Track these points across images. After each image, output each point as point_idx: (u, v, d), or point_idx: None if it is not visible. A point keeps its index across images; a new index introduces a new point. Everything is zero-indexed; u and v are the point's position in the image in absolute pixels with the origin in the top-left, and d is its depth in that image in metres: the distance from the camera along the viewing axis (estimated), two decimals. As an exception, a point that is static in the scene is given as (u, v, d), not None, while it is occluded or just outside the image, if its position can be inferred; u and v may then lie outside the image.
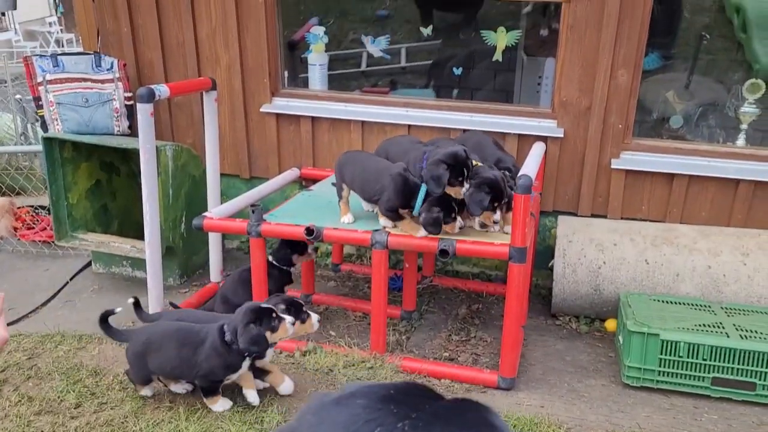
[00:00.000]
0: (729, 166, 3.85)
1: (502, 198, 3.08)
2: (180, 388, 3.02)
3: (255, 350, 2.75)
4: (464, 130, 4.12)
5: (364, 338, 3.57)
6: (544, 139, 4.03)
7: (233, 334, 2.74)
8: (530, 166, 3.18)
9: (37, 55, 4.20)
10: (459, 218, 3.11)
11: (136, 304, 3.19)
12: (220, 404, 2.91)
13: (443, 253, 3.03)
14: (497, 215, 3.12)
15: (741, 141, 4.02)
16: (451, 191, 3.05)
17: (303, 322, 2.91)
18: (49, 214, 4.68)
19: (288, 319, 2.82)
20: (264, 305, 2.82)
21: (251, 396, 2.92)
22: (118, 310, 3.11)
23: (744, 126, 4.01)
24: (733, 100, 4.20)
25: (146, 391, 2.99)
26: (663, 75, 5.04)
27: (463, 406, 0.65)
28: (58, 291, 4.29)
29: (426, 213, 3.04)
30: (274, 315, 2.79)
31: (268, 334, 2.76)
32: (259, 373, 2.99)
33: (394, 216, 3.18)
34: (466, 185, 3.05)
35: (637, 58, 3.80)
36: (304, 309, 2.95)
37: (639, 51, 3.79)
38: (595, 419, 2.93)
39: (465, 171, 3.03)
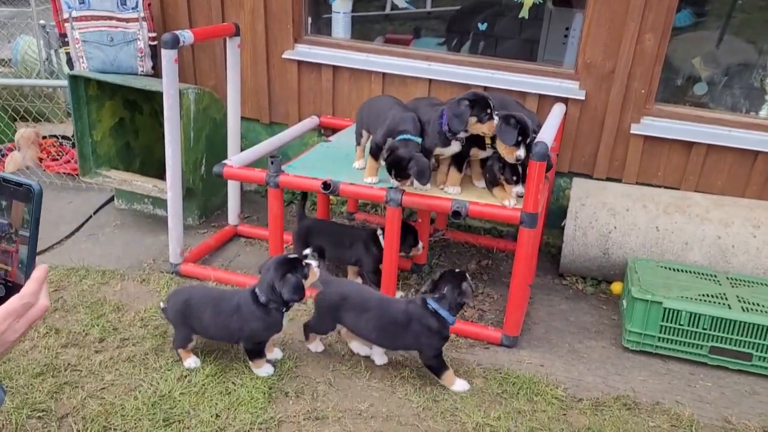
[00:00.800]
0: (749, 137, 3.84)
1: (528, 135, 3.09)
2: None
3: (297, 298, 2.76)
4: (485, 88, 4.12)
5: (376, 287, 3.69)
6: (565, 100, 4.02)
7: (269, 292, 2.76)
8: (548, 132, 3.20)
9: (63, -10, 4.21)
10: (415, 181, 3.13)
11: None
12: (265, 369, 2.94)
13: (456, 214, 3.09)
14: (520, 188, 3.18)
15: (765, 112, 3.99)
16: (482, 128, 3.09)
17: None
18: (74, 146, 4.79)
19: (314, 263, 2.88)
20: (291, 256, 2.87)
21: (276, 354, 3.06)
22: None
23: (768, 97, 3.98)
24: (760, 69, 4.14)
25: (190, 362, 2.95)
26: (694, 33, 4.95)
27: None
28: (82, 224, 4.43)
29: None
30: (303, 263, 2.84)
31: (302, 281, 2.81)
32: None
33: (376, 152, 3.28)
34: (496, 118, 3.08)
35: (666, 23, 3.74)
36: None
37: (668, 16, 3.73)
38: (591, 380, 3.05)
39: (490, 104, 3.06)
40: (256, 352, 2.92)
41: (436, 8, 6.70)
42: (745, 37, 4.86)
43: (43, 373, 2.81)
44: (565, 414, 2.77)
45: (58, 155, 5.28)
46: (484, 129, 3.09)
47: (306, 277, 2.82)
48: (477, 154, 3.33)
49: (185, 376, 2.85)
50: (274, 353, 3.04)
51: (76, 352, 2.99)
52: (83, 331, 3.15)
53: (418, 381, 2.93)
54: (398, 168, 3.10)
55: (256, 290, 2.82)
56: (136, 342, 3.09)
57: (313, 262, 2.89)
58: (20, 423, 2.53)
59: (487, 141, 3.25)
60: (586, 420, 2.73)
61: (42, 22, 6.44)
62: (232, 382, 2.83)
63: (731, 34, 4.84)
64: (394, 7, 6.54)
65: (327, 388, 2.86)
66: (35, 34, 6.68)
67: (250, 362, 2.94)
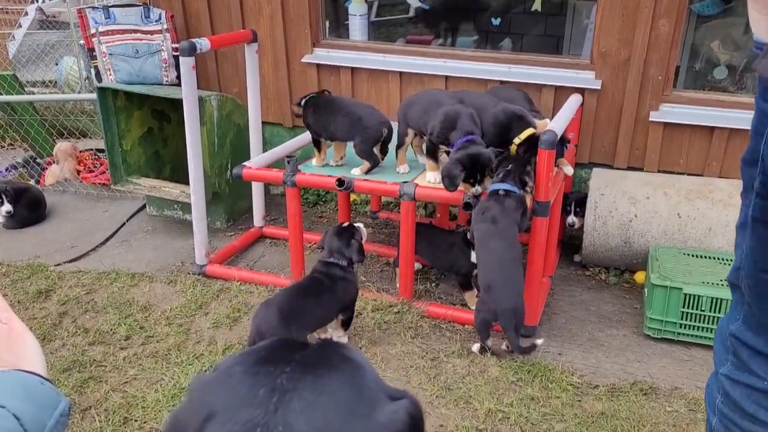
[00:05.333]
0: (772, 119, 3.75)
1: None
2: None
3: (361, 258, 3.13)
4: (501, 82, 4.14)
5: (395, 284, 3.72)
6: (581, 91, 4.00)
7: (341, 254, 3.09)
8: (558, 123, 3.20)
9: (89, 7, 4.40)
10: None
11: None
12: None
13: (467, 206, 3.12)
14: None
15: (788, 93, 3.89)
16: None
17: None
18: (108, 158, 4.98)
19: (361, 226, 3.26)
20: (351, 225, 3.23)
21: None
22: None
23: (792, 77, 3.87)
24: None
25: None
26: (723, 20, 4.87)
27: (325, 348, 0.75)
28: (115, 232, 4.59)
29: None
30: (356, 236, 3.17)
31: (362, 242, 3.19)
32: None
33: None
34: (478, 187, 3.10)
35: (680, 7, 3.70)
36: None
37: (682, 0, 3.69)
38: (609, 367, 3.02)
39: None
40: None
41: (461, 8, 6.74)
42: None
43: (69, 369, 2.94)
44: (579, 400, 2.76)
45: (94, 167, 5.49)
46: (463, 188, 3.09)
47: (361, 238, 3.20)
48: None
49: (205, 370, 2.93)
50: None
51: (102, 349, 3.12)
52: (111, 329, 3.28)
53: (433, 371, 2.96)
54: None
55: (333, 258, 3.09)
56: (160, 339, 3.20)
57: (361, 226, 3.27)
58: (48, 415, 2.65)
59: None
60: (601, 405, 2.72)
61: (82, 42, 6.73)
62: (250, 375, 2.91)
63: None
64: (422, 8, 6.60)
65: (343, 379, 2.91)
66: (76, 54, 6.97)
67: (345, 333, 3.19)
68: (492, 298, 2.95)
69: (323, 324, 3.11)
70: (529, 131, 3.09)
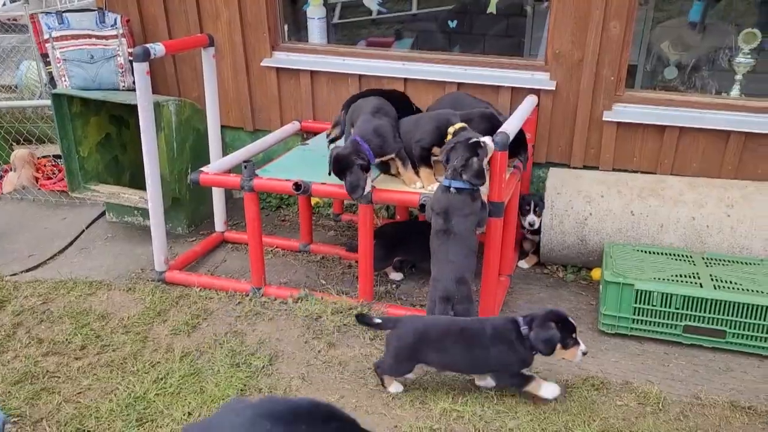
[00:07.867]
0: (720, 117, 3.85)
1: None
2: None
3: (542, 348, 2.69)
4: (458, 84, 4.18)
5: (355, 286, 3.73)
6: (537, 91, 4.06)
7: (529, 326, 2.71)
8: (512, 123, 3.25)
9: (42, 12, 4.34)
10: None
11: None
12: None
13: (423, 207, 3.15)
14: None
15: (735, 92, 3.99)
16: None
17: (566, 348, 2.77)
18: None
19: (582, 347, 2.76)
20: (572, 320, 2.77)
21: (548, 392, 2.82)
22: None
23: (738, 77, 3.97)
24: (727, 50, 4.15)
25: (395, 387, 2.88)
26: (676, 20, 4.97)
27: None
28: (74, 239, 4.54)
29: None
30: (574, 335, 2.74)
31: (558, 346, 2.71)
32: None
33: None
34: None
35: (630, 9, 3.77)
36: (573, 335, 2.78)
37: (632, 3, 3.76)
38: (564, 364, 3.06)
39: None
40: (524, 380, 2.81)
41: (422, 10, 6.77)
42: (728, 20, 4.87)
43: (21, 381, 2.91)
44: (533, 397, 2.80)
45: (53, 174, 5.41)
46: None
47: (565, 347, 2.73)
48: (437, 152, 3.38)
49: (161, 378, 2.92)
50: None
51: (56, 359, 3.08)
52: (66, 339, 3.25)
53: (390, 372, 2.98)
54: None
55: (520, 321, 2.74)
56: (116, 348, 3.17)
57: (582, 346, 2.77)
58: (-2, 428, 2.62)
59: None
60: (553, 402, 2.77)
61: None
62: (207, 382, 2.90)
63: (713, 18, 4.85)
64: (381, 11, 6.62)
65: (300, 383, 2.93)
66: (35, 58, 6.86)
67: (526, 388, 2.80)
68: (433, 287, 3.02)
69: (465, 372, 2.90)
70: (460, 124, 3.21)
